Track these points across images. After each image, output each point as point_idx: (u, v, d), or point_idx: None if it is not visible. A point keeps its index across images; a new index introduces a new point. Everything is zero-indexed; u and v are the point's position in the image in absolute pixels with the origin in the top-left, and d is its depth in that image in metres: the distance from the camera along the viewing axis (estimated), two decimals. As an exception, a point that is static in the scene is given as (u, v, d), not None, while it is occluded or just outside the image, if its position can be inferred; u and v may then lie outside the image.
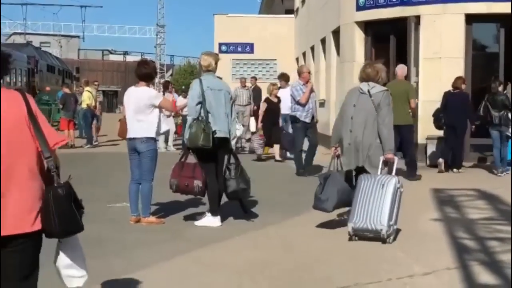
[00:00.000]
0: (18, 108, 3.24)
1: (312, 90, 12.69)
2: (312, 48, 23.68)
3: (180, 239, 7.26)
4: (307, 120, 12.52)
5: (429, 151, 14.05)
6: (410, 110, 12.05)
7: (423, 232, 7.54)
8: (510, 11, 14.14)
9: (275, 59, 28.21)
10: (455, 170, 12.95)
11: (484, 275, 5.65)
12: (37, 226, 3.25)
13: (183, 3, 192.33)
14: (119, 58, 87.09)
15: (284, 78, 16.11)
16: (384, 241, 6.79)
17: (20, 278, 3.31)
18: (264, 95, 18.20)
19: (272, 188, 10.97)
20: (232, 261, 6.28)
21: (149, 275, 5.62)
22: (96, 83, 22.38)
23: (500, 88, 12.91)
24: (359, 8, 16.18)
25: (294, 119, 12.69)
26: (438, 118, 13.21)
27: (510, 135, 12.84)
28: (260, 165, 14.52)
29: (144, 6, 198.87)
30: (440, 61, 14.62)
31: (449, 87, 13.90)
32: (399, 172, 8.02)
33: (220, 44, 28.66)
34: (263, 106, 15.24)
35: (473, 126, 13.27)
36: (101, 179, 12.23)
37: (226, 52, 28.43)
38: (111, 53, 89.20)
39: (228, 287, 5.50)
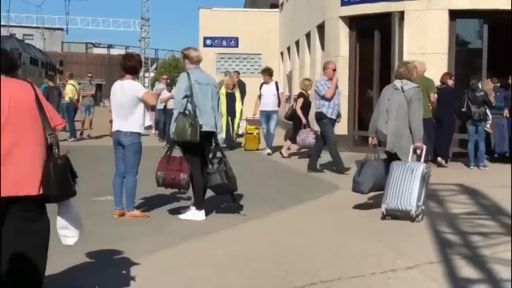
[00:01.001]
0: (29, 94, 4.06)
1: (337, 86, 12.29)
2: (297, 43, 23.70)
3: (164, 232, 7.26)
4: (333, 116, 12.14)
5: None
6: (429, 104, 12.35)
7: (407, 227, 7.58)
8: (493, 7, 14.25)
9: (260, 54, 28.23)
10: (439, 159, 13.11)
11: (466, 269, 5.70)
12: (38, 190, 3.96)
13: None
14: (103, 51, 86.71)
15: (268, 72, 16.05)
16: (412, 219, 7.64)
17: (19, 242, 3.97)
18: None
19: (257, 183, 10.99)
20: (216, 255, 6.29)
21: (133, 269, 5.62)
22: (89, 74, 22.40)
23: (479, 85, 13.15)
24: (344, 3, 16.22)
25: (320, 116, 12.11)
26: None
27: (488, 130, 13.04)
28: (245, 159, 14.52)
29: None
30: (424, 56, 14.67)
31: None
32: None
33: (205, 38, 28.61)
34: (299, 102, 14.44)
35: (460, 121, 13.49)
36: (84, 172, 12.08)
37: (211, 46, 28.41)
38: (95, 46, 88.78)
39: (213, 281, 5.51)
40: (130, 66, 8.00)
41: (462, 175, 11.94)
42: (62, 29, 78.23)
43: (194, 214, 7.91)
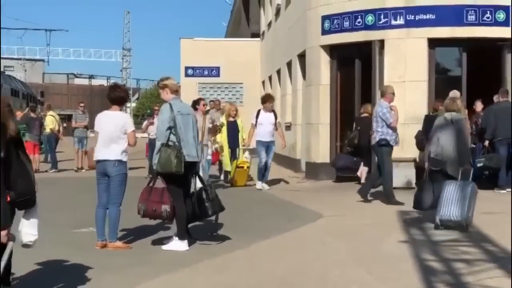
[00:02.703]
0: None
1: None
2: (278, 72, 23.82)
3: (147, 263, 7.19)
4: (395, 144, 11.82)
5: (394, 174, 14.12)
6: None
7: (390, 254, 7.58)
8: (471, 36, 14.43)
9: (242, 83, 28.32)
10: None
11: (450, 296, 5.69)
12: None
13: (149, 26, 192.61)
14: (85, 81, 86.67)
15: (272, 99, 15.23)
16: (463, 229, 8.77)
17: None
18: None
19: (240, 212, 10.95)
20: (200, 285, 6.24)
21: (115, 300, 5.55)
22: (82, 104, 20.65)
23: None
24: (324, 32, 16.34)
25: (384, 143, 11.62)
26: (420, 141, 13.61)
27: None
28: (229, 189, 14.48)
29: (110, 29, 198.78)
30: (405, 84, 14.81)
31: (413, 110, 14.26)
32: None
33: (187, 68, 28.69)
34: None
35: None
36: (65, 204, 12.09)
37: (192, 75, 28.48)
38: (77, 77, 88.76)
39: (196, 312, 5.45)
40: (118, 96, 8.06)
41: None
42: (43, 60, 78.22)
43: (177, 245, 7.87)
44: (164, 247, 7.95)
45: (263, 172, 14.49)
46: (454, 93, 12.81)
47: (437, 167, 9.50)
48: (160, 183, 7.99)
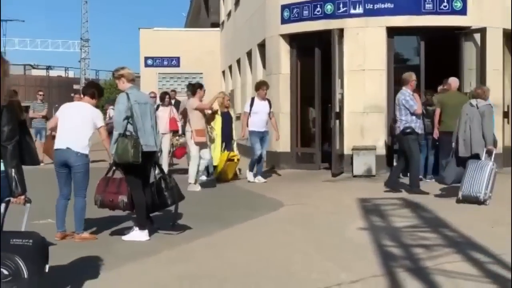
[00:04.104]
0: None
1: None
2: (238, 61, 23.79)
3: (109, 254, 7.11)
4: (420, 131, 11.70)
5: (354, 162, 14.28)
6: None
7: (351, 241, 7.64)
8: (429, 24, 14.58)
9: (202, 73, 28.18)
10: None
11: (409, 281, 5.76)
12: None
13: (108, 17, 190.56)
14: (42, 73, 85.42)
15: (267, 86, 14.09)
16: (481, 203, 9.92)
17: None
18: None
19: (201, 202, 10.93)
20: (162, 275, 6.21)
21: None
22: (40, 93, 19.47)
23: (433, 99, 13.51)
24: (284, 21, 16.34)
25: (409, 131, 11.45)
26: (393, 128, 13.74)
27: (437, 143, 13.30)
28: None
29: (68, 20, 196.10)
30: (364, 73, 14.92)
31: (372, 99, 14.39)
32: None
33: (146, 58, 28.47)
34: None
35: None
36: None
37: (152, 66, 28.28)
38: (34, 68, 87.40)
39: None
40: (91, 91, 8.04)
41: (405, 189, 12.08)
42: (-1, 51, 76.87)
43: (137, 235, 7.82)
44: (125, 237, 7.90)
45: (256, 164, 13.72)
46: (454, 80, 13.00)
47: (464, 149, 10.49)
48: (117, 174, 7.93)
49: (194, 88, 12.96)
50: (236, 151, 14.47)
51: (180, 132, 15.02)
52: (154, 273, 6.32)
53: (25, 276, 4.45)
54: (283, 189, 12.56)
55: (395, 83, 15.15)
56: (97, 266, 6.51)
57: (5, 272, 4.43)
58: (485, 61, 14.41)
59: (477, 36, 14.70)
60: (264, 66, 18.61)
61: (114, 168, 7.98)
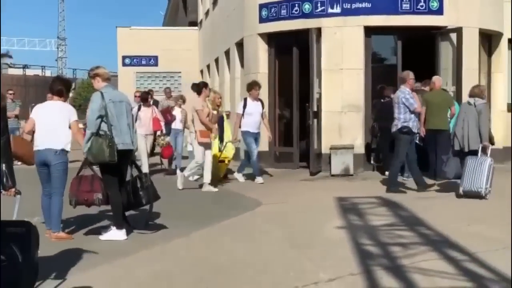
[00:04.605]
0: None
1: None
2: (217, 60, 23.75)
3: (86, 253, 7.07)
4: (416, 130, 11.72)
5: (332, 161, 14.32)
6: (449, 117, 12.62)
7: (329, 240, 7.66)
8: (406, 24, 14.67)
9: (180, 72, 28.10)
10: (387, 173, 13.18)
11: (386, 279, 5.78)
12: None
13: (85, 15, 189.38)
14: (19, 72, 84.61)
15: (257, 86, 13.73)
16: (481, 197, 10.40)
17: None
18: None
19: (178, 201, 10.90)
20: (138, 275, 6.18)
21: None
22: (10, 92, 18.85)
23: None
24: (262, 20, 16.35)
25: (406, 131, 11.45)
26: (372, 127, 14.27)
27: (419, 143, 13.36)
28: (167, 178, 14.38)
29: (45, 18, 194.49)
30: (342, 72, 14.96)
31: (350, 98, 14.46)
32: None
33: (124, 57, 28.30)
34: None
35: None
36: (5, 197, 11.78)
37: (130, 65, 28.12)
38: (10, 67, 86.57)
39: (134, 301, 5.40)
40: (58, 88, 7.96)
41: (382, 187, 12.13)
42: (-26, 50, 76.14)
43: (115, 234, 7.79)
44: (102, 237, 7.86)
45: (251, 165, 13.42)
46: (438, 78, 13.17)
47: (462, 145, 10.95)
48: (89, 171, 7.92)
49: (199, 88, 12.52)
50: (233, 150, 14.14)
51: (164, 131, 14.84)
52: (131, 272, 6.29)
53: (20, 260, 4.72)
54: (261, 188, 12.57)
55: (373, 83, 15.26)
56: (74, 266, 6.46)
57: (2, 257, 4.69)
58: (461, 60, 14.53)
59: (453, 36, 14.82)
60: (242, 65, 18.60)
61: (85, 166, 7.96)
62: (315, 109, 14.70)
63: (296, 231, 8.26)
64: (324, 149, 14.78)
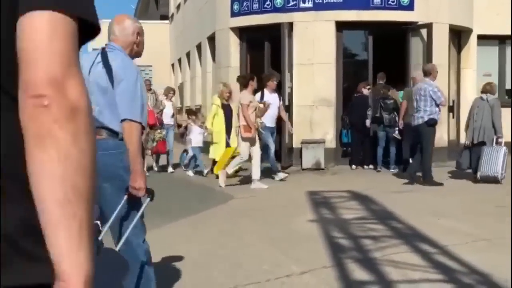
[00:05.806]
0: None
1: None
2: (188, 54, 23.68)
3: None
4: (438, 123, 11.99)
5: (303, 155, 14.36)
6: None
7: (301, 233, 7.68)
8: (377, 19, 14.76)
9: (151, 66, 27.95)
10: (365, 166, 14.41)
11: (358, 272, 5.82)
12: None
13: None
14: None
15: (274, 77, 13.05)
16: (498, 182, 11.62)
17: None
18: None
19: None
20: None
21: None
22: None
23: (390, 93, 13.83)
24: (234, 14, 16.32)
25: (433, 123, 11.58)
26: (342, 119, 14.75)
27: (397, 136, 13.53)
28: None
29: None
30: (313, 67, 15.00)
31: (321, 92, 14.54)
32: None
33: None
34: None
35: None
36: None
37: (99, 58, 27.88)
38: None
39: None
40: None
41: (355, 181, 12.22)
42: None
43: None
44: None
45: (269, 161, 12.85)
46: (419, 74, 12.95)
47: (475, 137, 11.95)
48: None
49: (246, 80, 11.97)
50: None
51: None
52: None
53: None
54: (233, 181, 12.55)
55: (344, 78, 15.34)
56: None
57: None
58: (431, 56, 14.65)
59: (424, 32, 14.95)
60: (213, 59, 18.57)
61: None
62: (286, 103, 14.72)
63: (268, 225, 8.28)
64: (295, 144, 14.81)
